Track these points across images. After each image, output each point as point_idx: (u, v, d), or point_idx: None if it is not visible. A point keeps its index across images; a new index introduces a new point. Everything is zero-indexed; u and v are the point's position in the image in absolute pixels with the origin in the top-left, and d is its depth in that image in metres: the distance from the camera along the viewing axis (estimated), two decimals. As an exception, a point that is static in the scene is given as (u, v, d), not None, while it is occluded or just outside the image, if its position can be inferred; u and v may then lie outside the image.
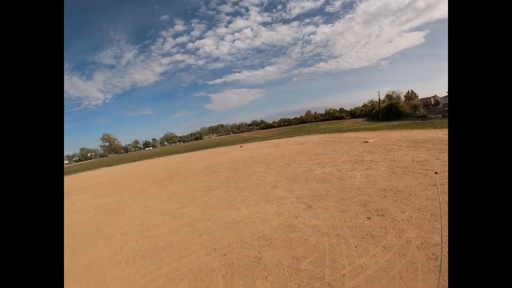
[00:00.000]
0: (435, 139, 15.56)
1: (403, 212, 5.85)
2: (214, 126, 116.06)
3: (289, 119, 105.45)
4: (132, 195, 13.12)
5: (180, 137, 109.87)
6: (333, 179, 9.49)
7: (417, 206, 6.06)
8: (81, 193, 17.28)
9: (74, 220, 9.98)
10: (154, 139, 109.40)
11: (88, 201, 13.75)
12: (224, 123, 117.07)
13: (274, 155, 19.48)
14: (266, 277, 4.37)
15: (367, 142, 18.36)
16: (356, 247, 4.77)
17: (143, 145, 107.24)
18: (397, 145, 15.21)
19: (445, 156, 10.55)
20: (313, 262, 4.55)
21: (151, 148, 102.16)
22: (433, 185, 7.23)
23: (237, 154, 25.00)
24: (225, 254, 5.34)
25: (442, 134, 17.37)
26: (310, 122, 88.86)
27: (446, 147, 12.57)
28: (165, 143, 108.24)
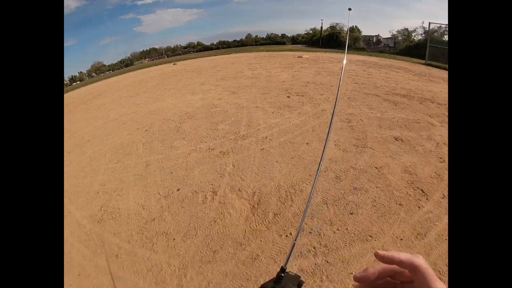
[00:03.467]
0: (367, 61, 16.31)
1: (321, 95, 6.17)
2: (146, 50, 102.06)
3: (228, 41, 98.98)
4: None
5: (109, 65, 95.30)
6: (260, 77, 9.43)
7: (335, 92, 6.42)
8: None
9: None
10: (80, 72, 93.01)
11: None
12: (157, 46, 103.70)
13: (208, 65, 18.41)
14: (184, 138, 4.39)
15: (301, 57, 18.50)
16: (272, 113, 4.95)
17: (69, 80, 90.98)
18: (329, 61, 15.67)
19: (371, 70, 11.10)
20: (230, 124, 4.65)
21: (78, 82, 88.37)
22: (355, 83, 7.67)
23: (169, 69, 22.92)
24: (146, 130, 5.34)
25: (375, 59, 18.27)
26: (250, 45, 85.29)
27: (375, 65, 13.39)
28: (93, 74, 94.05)
